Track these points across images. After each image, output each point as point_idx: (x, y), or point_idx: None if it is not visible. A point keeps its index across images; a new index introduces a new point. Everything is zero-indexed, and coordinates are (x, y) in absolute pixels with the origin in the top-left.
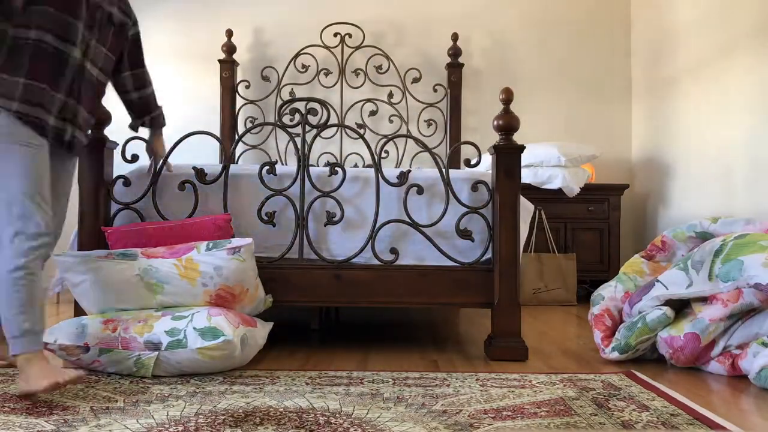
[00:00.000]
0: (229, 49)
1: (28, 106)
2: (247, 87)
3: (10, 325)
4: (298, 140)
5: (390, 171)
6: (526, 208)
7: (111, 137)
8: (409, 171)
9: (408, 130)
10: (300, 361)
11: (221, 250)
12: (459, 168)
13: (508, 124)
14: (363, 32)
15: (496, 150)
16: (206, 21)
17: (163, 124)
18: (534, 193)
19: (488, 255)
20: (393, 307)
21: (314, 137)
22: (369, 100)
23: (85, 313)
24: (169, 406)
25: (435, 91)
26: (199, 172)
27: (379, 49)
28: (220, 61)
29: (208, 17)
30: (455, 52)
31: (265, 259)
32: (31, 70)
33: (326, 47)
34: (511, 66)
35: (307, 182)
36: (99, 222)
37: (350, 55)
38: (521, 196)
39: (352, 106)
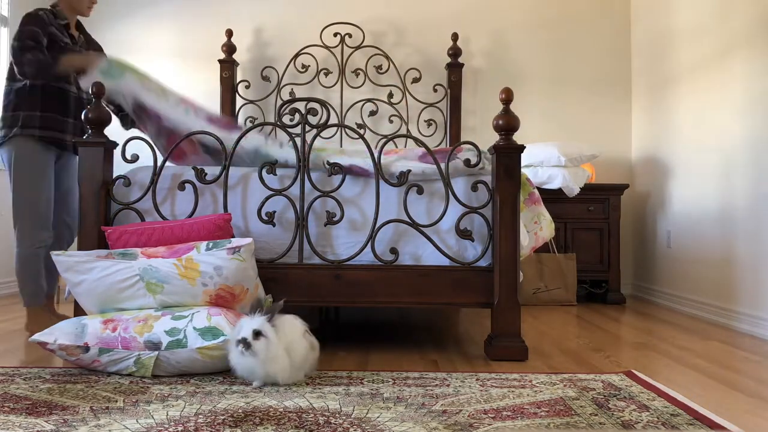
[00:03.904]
0: (229, 49)
1: None
2: (247, 87)
3: None
4: (298, 140)
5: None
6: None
7: (111, 137)
8: (409, 171)
9: (408, 130)
10: None
11: (221, 250)
12: None
13: (508, 124)
14: (363, 32)
15: (496, 150)
16: (206, 21)
17: None
18: None
19: (488, 255)
20: (393, 307)
21: (314, 137)
22: (369, 100)
23: (85, 313)
24: (169, 406)
25: (435, 91)
26: (199, 172)
27: (379, 49)
28: (220, 61)
29: (208, 17)
30: (455, 52)
31: (265, 259)
32: None
33: (326, 47)
34: (511, 66)
35: (307, 182)
36: (99, 222)
37: (350, 55)
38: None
39: (352, 106)
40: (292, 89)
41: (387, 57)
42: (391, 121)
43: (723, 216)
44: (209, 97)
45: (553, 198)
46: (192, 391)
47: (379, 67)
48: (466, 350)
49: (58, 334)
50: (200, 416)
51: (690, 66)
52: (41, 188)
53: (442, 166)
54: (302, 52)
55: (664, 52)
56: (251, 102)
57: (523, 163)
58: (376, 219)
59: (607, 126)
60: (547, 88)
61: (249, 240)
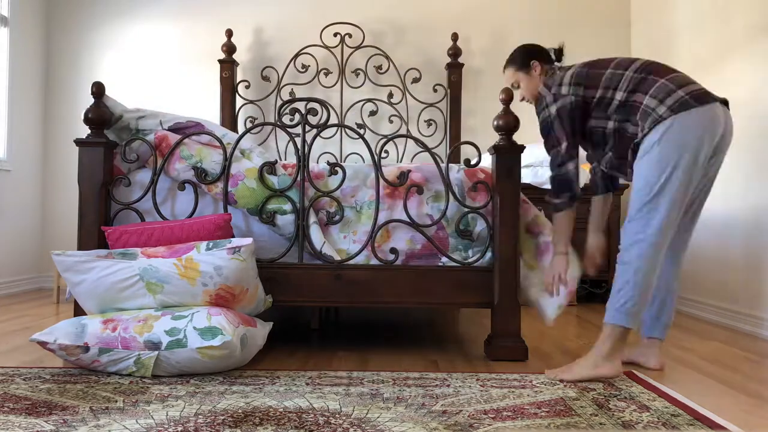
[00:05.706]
0: (229, 49)
1: None
2: (247, 87)
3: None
4: (298, 140)
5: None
6: None
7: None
8: (409, 171)
9: (408, 130)
10: (300, 361)
11: (221, 249)
12: None
13: (507, 125)
14: (363, 32)
15: (496, 150)
16: (206, 21)
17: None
18: (534, 193)
19: (488, 255)
20: (393, 307)
21: (314, 137)
22: (369, 100)
23: (85, 313)
24: (169, 406)
25: (435, 91)
26: (199, 172)
27: (379, 49)
28: (220, 61)
29: (208, 17)
30: (455, 52)
31: (265, 259)
32: None
33: (326, 47)
34: None
35: (307, 182)
36: (99, 222)
37: (350, 55)
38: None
39: (352, 106)
40: (292, 89)
41: (387, 57)
42: (391, 121)
43: (723, 216)
44: (209, 97)
45: None
46: (192, 391)
47: (379, 67)
48: (466, 350)
49: (58, 333)
50: (200, 416)
51: (690, 66)
52: None
53: (443, 166)
54: (302, 52)
55: (664, 53)
56: (251, 102)
57: (523, 163)
58: (376, 219)
59: None
60: None
61: (249, 240)
